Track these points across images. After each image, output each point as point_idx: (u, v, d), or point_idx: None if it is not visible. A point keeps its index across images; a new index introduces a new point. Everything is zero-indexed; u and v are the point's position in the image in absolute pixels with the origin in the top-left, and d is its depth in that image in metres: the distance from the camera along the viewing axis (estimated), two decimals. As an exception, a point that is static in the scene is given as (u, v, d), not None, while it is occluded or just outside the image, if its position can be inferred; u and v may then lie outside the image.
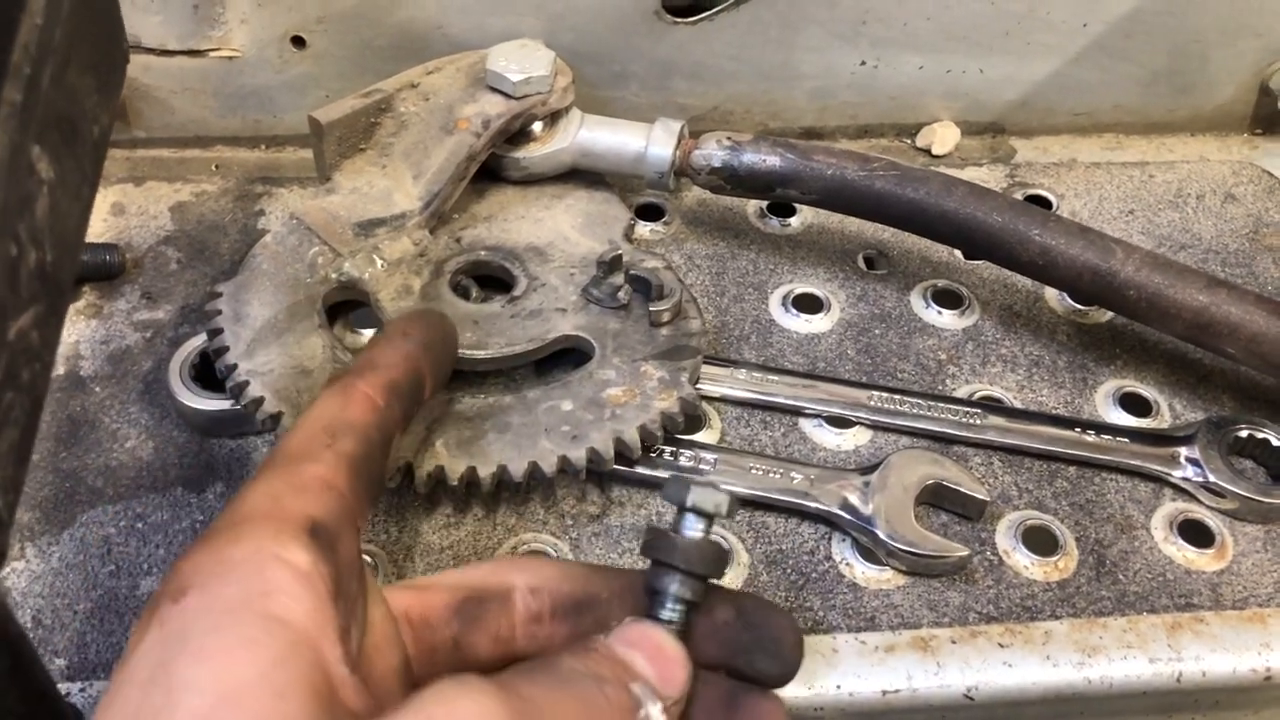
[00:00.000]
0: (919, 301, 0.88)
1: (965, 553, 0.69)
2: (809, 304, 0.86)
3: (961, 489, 0.71)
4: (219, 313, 0.74)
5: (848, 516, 0.70)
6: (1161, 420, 0.80)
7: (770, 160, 0.83)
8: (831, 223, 0.94)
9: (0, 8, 0.43)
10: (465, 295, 0.80)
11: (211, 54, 0.92)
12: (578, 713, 0.44)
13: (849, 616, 0.68)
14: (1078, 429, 0.77)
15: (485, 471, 0.68)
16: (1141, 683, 0.66)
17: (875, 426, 0.78)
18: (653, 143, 0.85)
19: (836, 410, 0.78)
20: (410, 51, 0.92)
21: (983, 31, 0.97)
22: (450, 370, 0.67)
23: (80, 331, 0.81)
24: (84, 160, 0.51)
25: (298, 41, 0.92)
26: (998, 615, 0.68)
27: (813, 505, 0.71)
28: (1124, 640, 0.67)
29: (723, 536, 0.70)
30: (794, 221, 0.94)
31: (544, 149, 0.87)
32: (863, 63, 0.99)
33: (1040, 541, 0.72)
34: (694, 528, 0.51)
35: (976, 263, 0.90)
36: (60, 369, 0.78)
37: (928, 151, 1.02)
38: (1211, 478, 0.74)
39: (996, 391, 0.81)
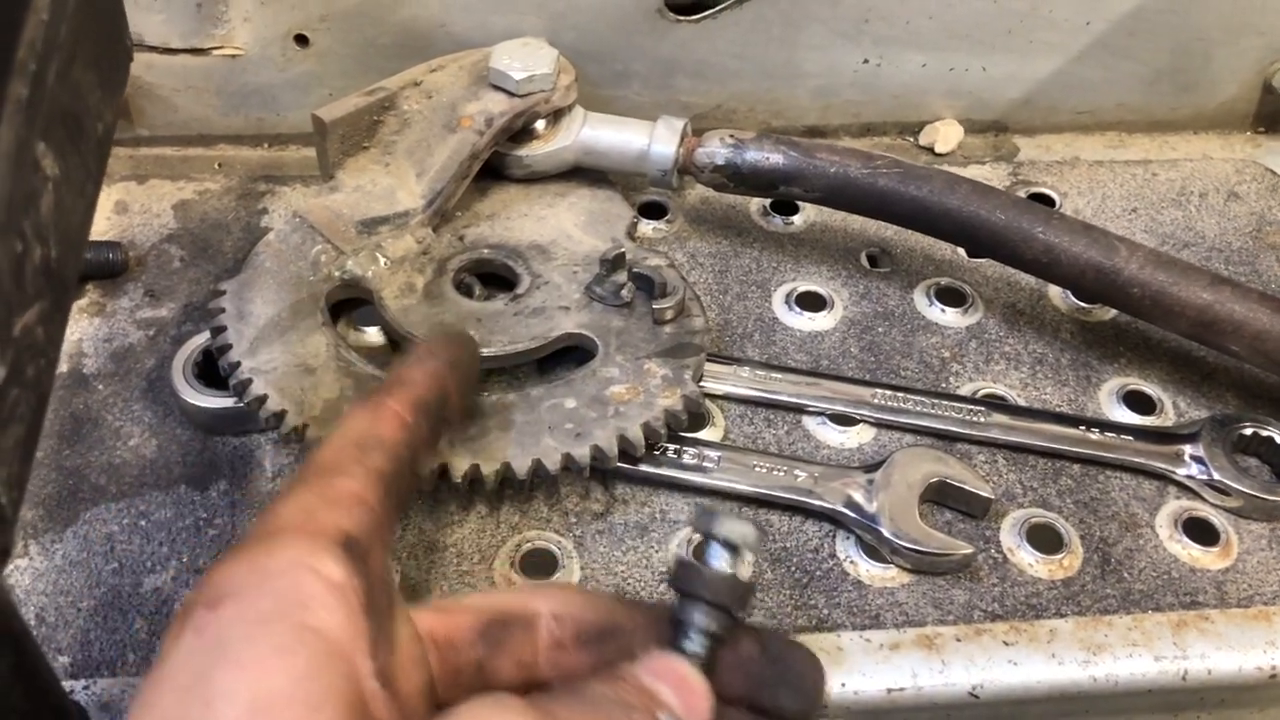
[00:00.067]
0: (922, 299, 0.87)
1: (970, 550, 0.69)
2: (812, 302, 0.86)
3: (966, 487, 0.71)
4: (222, 311, 0.74)
5: (852, 514, 0.70)
6: (1165, 418, 0.80)
7: (773, 158, 0.83)
8: (834, 221, 0.93)
9: (6, 3, 0.43)
10: (468, 293, 0.79)
11: (214, 52, 0.92)
12: None
13: (854, 614, 0.68)
14: (1082, 427, 0.77)
15: (489, 469, 0.68)
16: (1147, 681, 0.66)
17: (879, 424, 0.78)
18: (656, 141, 0.85)
19: (840, 408, 0.78)
20: (413, 50, 0.91)
21: (985, 30, 0.97)
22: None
23: (83, 329, 0.81)
24: (88, 157, 0.51)
25: (301, 40, 0.92)
26: (1003, 613, 0.68)
27: (817, 503, 0.71)
28: (1129, 638, 0.67)
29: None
30: (797, 219, 0.94)
31: (547, 147, 0.87)
32: (865, 61, 0.99)
33: (1045, 539, 0.72)
34: (721, 559, 0.52)
35: (980, 261, 0.90)
36: (63, 367, 0.78)
37: (930, 150, 1.02)
38: (1216, 475, 0.74)
39: (1000, 389, 0.81)
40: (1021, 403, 0.80)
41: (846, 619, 0.67)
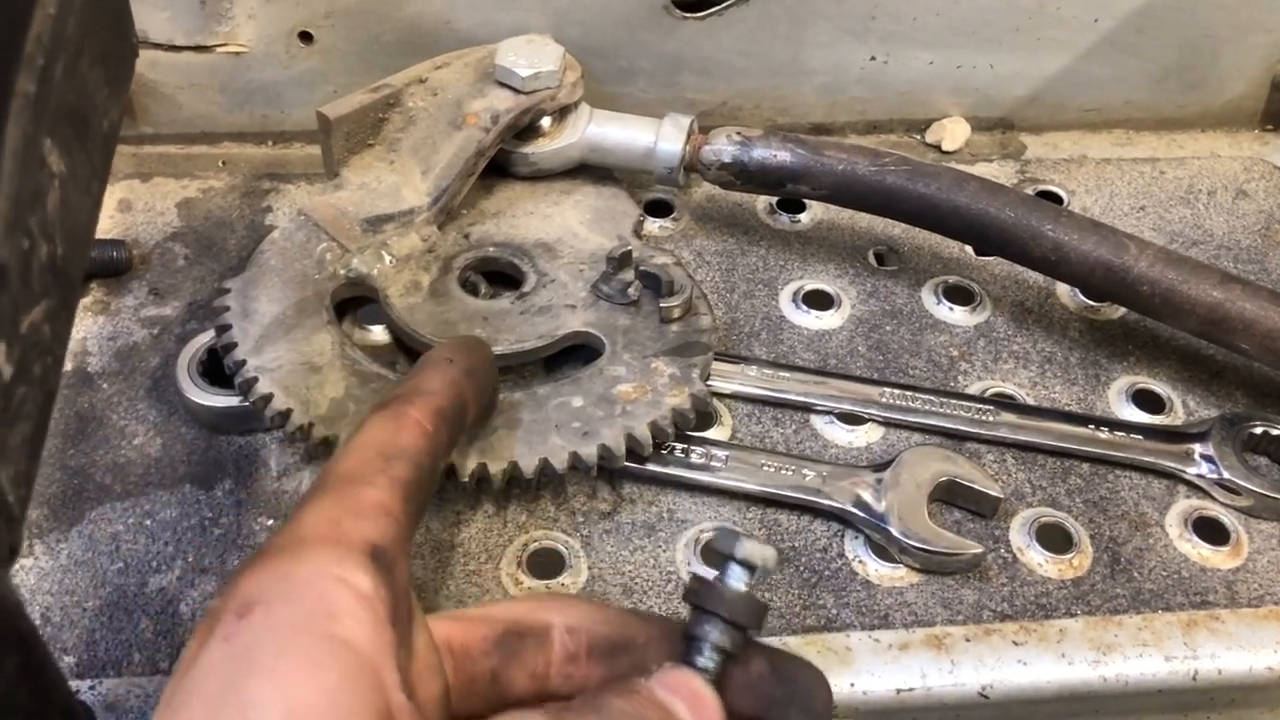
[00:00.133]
0: (930, 298, 0.87)
1: (979, 550, 0.69)
2: (819, 300, 0.86)
3: (975, 486, 0.71)
4: (227, 309, 0.73)
5: (861, 514, 0.70)
6: (1175, 417, 0.80)
7: (780, 155, 0.83)
8: (842, 219, 0.93)
9: (13, -2, 0.43)
10: (474, 292, 0.79)
11: (219, 49, 0.92)
12: None
13: (862, 614, 0.67)
14: (1091, 426, 0.77)
15: (496, 468, 0.68)
16: (1157, 681, 0.66)
17: (887, 423, 0.77)
18: (662, 138, 0.85)
19: (848, 407, 0.77)
20: (418, 47, 0.91)
21: (992, 27, 0.97)
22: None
23: (88, 328, 0.81)
24: (94, 154, 0.51)
25: (305, 37, 0.92)
26: (1012, 613, 0.68)
27: (825, 502, 0.71)
28: (1139, 638, 0.67)
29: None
30: (804, 217, 0.94)
31: (553, 144, 0.87)
32: (872, 58, 0.98)
33: (1054, 539, 0.71)
34: (739, 579, 0.52)
35: (988, 259, 0.90)
36: (68, 365, 0.78)
37: (938, 147, 1.02)
38: (1226, 474, 0.73)
39: (1009, 388, 0.81)
40: (1030, 401, 0.80)
41: (855, 619, 0.67)
